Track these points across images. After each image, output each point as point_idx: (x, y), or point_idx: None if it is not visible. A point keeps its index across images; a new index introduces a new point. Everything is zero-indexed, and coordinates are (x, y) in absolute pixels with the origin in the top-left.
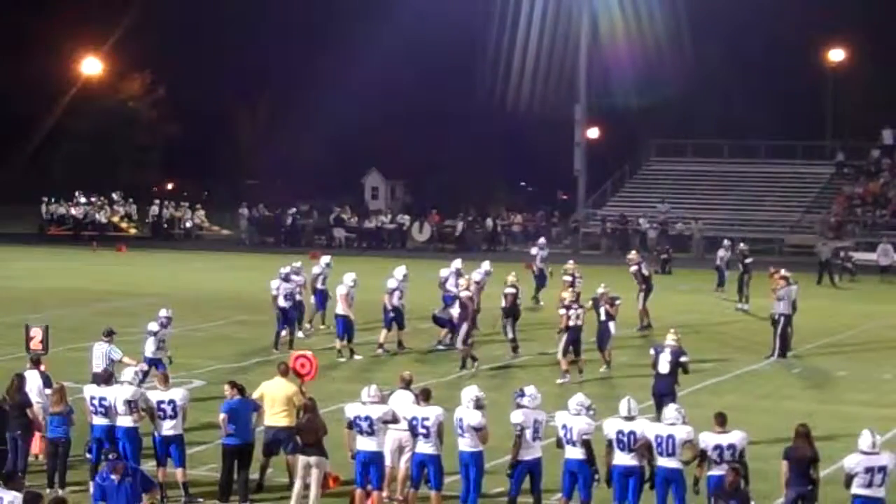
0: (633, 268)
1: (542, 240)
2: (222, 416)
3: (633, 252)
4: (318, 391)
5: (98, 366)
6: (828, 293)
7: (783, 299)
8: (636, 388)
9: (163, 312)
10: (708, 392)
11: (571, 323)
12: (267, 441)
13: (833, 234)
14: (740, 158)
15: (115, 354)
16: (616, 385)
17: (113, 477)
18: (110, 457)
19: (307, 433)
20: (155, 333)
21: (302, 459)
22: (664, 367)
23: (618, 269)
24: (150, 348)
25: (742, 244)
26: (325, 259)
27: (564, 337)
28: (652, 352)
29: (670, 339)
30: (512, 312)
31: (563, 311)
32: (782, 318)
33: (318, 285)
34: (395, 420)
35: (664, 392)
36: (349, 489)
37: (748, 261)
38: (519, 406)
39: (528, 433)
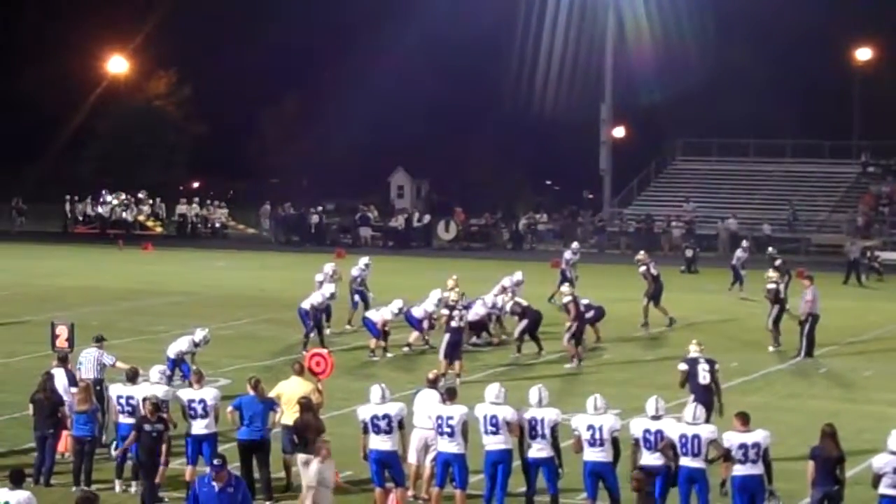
0: (643, 268)
1: (575, 244)
2: (230, 409)
3: (642, 252)
4: (345, 389)
5: (88, 371)
6: (854, 293)
7: (810, 300)
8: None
9: (200, 335)
10: (735, 391)
11: (454, 324)
12: (286, 441)
13: (861, 233)
14: (766, 157)
15: (107, 360)
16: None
17: (214, 484)
18: (215, 462)
19: (305, 432)
20: (190, 353)
21: (301, 457)
22: (705, 377)
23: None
24: (174, 349)
25: (770, 248)
26: (364, 260)
27: (446, 338)
28: (685, 366)
29: (696, 350)
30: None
31: (445, 312)
32: (810, 318)
33: (357, 286)
34: (402, 427)
35: (707, 402)
36: (369, 488)
37: (777, 263)
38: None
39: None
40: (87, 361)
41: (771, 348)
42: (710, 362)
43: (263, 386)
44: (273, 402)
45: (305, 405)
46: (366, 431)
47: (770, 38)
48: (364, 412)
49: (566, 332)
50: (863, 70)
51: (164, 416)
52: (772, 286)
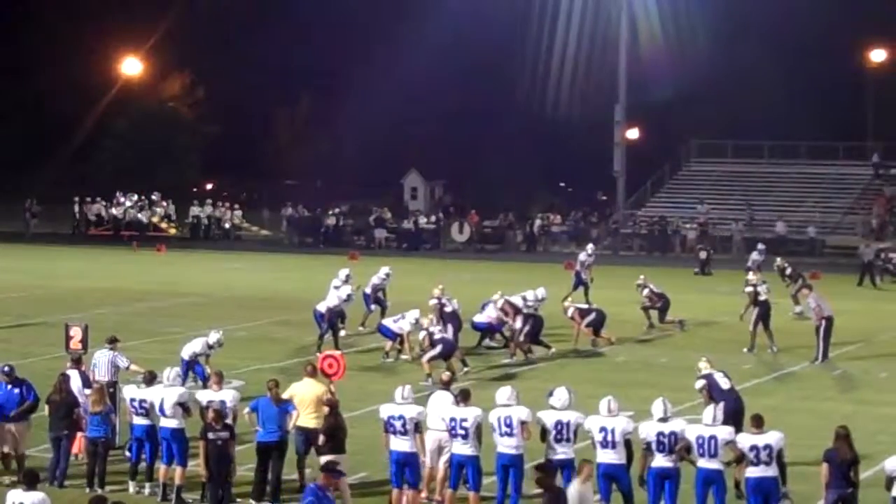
0: (645, 291)
1: (590, 246)
2: (247, 410)
3: (641, 277)
4: (358, 391)
5: (102, 374)
6: (869, 294)
7: (815, 307)
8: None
9: (214, 337)
10: (748, 393)
11: (437, 337)
12: (299, 442)
13: (875, 235)
14: (781, 159)
15: (121, 362)
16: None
17: (329, 494)
18: (339, 468)
19: (336, 432)
20: (204, 355)
21: (326, 459)
22: (726, 382)
23: (655, 270)
24: (188, 351)
25: (778, 259)
26: (385, 270)
27: (438, 349)
28: (703, 381)
29: (706, 367)
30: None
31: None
32: (824, 322)
33: (375, 294)
34: (418, 430)
35: (738, 405)
36: (386, 489)
37: (788, 272)
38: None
39: (551, 435)
40: (102, 364)
41: (745, 350)
42: (724, 372)
43: (278, 390)
44: (290, 404)
45: (334, 406)
46: (387, 430)
47: (784, 39)
48: (383, 411)
49: (519, 333)
50: (877, 71)
51: (230, 423)
52: (749, 289)
